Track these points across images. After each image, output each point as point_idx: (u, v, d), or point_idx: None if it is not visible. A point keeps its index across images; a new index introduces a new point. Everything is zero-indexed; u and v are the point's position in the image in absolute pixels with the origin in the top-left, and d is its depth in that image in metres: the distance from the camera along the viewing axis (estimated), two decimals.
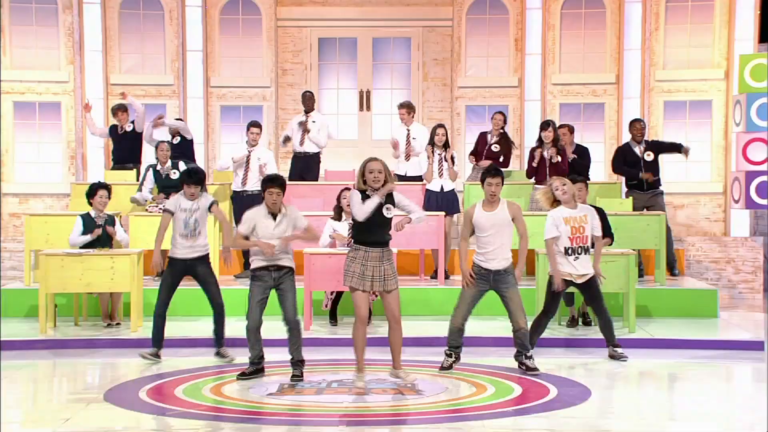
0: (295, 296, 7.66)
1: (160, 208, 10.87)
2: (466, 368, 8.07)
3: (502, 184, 7.72)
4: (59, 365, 8.61)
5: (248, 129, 11.39)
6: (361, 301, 7.17)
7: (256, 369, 7.72)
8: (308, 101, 12.16)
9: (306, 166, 12.11)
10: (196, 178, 8.34)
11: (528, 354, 7.82)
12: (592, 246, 8.25)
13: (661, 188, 11.72)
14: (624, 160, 11.66)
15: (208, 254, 8.45)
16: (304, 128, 12.04)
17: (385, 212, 7.14)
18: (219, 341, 8.43)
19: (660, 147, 11.77)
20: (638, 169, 11.56)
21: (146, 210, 11.09)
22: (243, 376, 7.67)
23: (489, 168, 7.83)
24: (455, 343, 7.96)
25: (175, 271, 8.36)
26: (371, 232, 7.16)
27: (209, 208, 8.37)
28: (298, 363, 7.64)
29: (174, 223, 8.35)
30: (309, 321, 9.67)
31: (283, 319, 7.64)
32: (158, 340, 8.41)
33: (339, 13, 14.39)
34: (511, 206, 7.73)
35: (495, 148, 12.11)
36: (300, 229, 7.66)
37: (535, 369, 7.78)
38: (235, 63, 14.19)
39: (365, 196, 7.15)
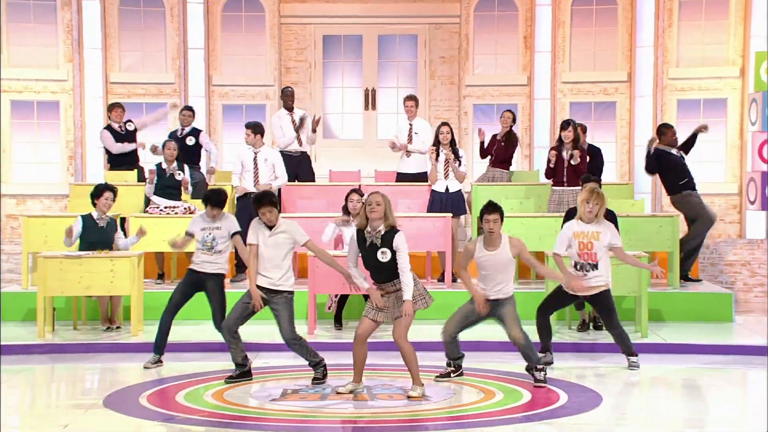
0: (290, 313, 7.65)
1: (161, 210, 10.92)
2: (474, 373, 8.07)
3: (501, 221, 7.58)
4: (58, 370, 8.63)
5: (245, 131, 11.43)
6: (363, 321, 7.26)
7: (242, 372, 7.79)
8: (290, 98, 12.05)
9: (300, 166, 12.05)
10: (216, 199, 8.30)
11: (538, 366, 7.69)
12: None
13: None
14: (660, 165, 11.43)
15: (222, 274, 8.41)
16: (312, 124, 11.95)
17: (380, 256, 7.16)
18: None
19: (688, 147, 11.49)
20: (683, 170, 11.31)
21: (146, 211, 11.13)
22: (231, 379, 7.77)
23: (487, 204, 7.64)
24: (452, 354, 7.92)
25: (188, 281, 8.42)
26: (372, 274, 7.32)
27: (231, 235, 8.37)
28: (317, 364, 7.71)
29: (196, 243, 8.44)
30: (313, 325, 9.68)
31: (283, 339, 7.72)
32: (160, 347, 8.43)
33: (344, 10, 14.41)
34: (514, 244, 7.61)
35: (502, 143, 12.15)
36: (299, 243, 7.70)
37: (542, 382, 7.62)
38: (237, 61, 14.22)
39: (360, 236, 7.23)
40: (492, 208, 7.57)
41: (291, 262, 7.77)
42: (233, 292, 10.28)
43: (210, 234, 8.30)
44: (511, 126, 12.19)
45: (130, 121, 12.43)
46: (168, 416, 6.75)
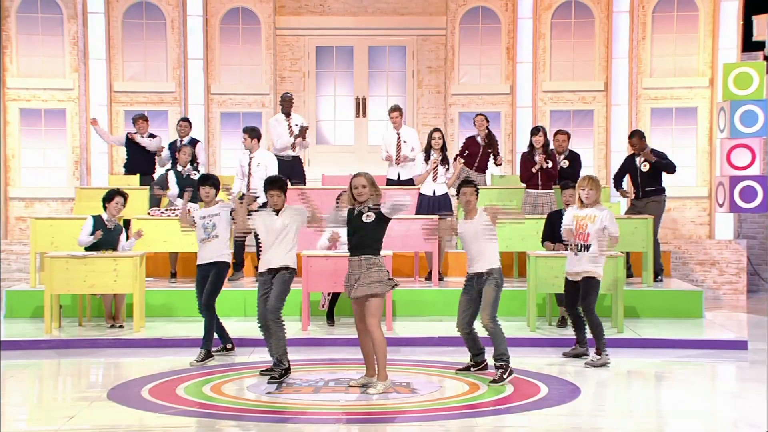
0: (281, 290, 7.55)
1: (175, 213, 10.90)
2: (459, 367, 8.05)
3: (477, 194, 7.66)
4: (64, 365, 8.59)
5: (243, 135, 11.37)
6: (353, 308, 7.20)
7: (283, 370, 7.58)
8: (289, 103, 12.03)
9: (293, 170, 12.01)
10: (211, 181, 8.42)
11: (497, 364, 7.52)
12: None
13: (659, 197, 11.37)
14: (624, 171, 11.56)
15: (225, 261, 8.36)
16: (302, 134, 11.92)
17: (364, 218, 7.11)
18: (203, 341, 8.36)
19: (660, 156, 11.39)
20: (634, 179, 11.40)
21: (163, 211, 11.08)
22: (266, 373, 7.66)
23: (463, 179, 7.79)
24: (471, 350, 7.85)
25: (200, 277, 8.37)
26: (350, 237, 7.20)
27: (231, 213, 8.31)
28: (276, 362, 7.60)
29: (196, 232, 8.38)
30: (307, 321, 9.65)
31: (267, 310, 7.62)
32: (223, 337, 8.58)
33: (336, 23, 14.39)
34: (486, 209, 7.62)
35: (488, 149, 12.11)
36: (303, 219, 7.62)
37: (496, 381, 7.48)
38: (234, 71, 14.18)
39: (352, 214, 7.14)
40: (467, 182, 7.72)
41: (296, 243, 7.70)
42: (232, 290, 10.30)
43: (210, 221, 8.30)
44: (487, 127, 12.12)
45: (153, 135, 12.39)
46: (164, 408, 6.72)
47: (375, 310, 7.09)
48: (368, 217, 7.11)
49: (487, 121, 12.14)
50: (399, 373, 7.83)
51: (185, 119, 12.40)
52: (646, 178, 11.33)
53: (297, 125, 11.92)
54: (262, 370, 7.80)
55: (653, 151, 11.44)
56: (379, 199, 7.20)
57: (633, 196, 11.61)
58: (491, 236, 7.61)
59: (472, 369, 7.87)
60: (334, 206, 9.92)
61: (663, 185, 11.42)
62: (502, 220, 7.65)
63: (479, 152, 12.04)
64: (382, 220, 7.13)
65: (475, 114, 12.46)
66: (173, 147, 12.03)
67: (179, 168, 11.36)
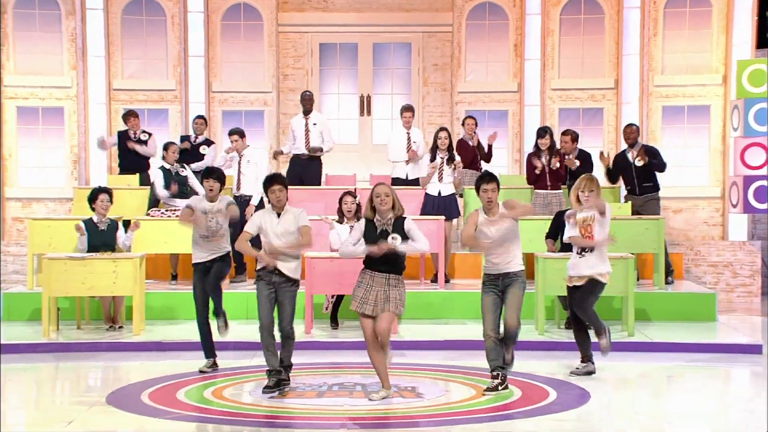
0: (293, 307, 7.47)
1: (176, 214, 10.90)
2: (466, 371, 8.07)
3: (498, 189, 7.40)
4: (62, 368, 8.61)
5: (230, 137, 11.46)
6: (365, 325, 7.09)
7: (279, 380, 7.40)
8: (308, 102, 12.10)
9: (305, 170, 12.03)
10: (216, 174, 8.22)
11: (493, 373, 7.39)
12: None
13: (656, 194, 11.51)
14: (617, 166, 11.58)
15: (228, 254, 8.24)
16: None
17: (390, 241, 7.02)
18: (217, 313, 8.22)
19: (653, 155, 11.41)
20: (629, 174, 11.47)
21: (162, 212, 11.13)
22: (267, 389, 7.36)
23: (483, 174, 7.49)
24: (494, 363, 7.36)
25: (200, 275, 8.15)
26: (374, 263, 7.10)
27: (226, 207, 8.20)
28: (286, 367, 7.54)
29: (194, 224, 8.15)
30: (310, 324, 9.66)
31: (278, 327, 7.51)
32: (210, 349, 8.19)
33: (340, 19, 14.41)
34: (506, 204, 7.36)
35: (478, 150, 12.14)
36: (299, 230, 7.47)
37: (491, 389, 7.33)
38: (236, 68, 14.20)
39: (370, 226, 7.09)
40: (489, 177, 7.38)
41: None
42: (233, 293, 10.31)
43: (213, 218, 8.09)
44: (475, 130, 12.16)
45: (144, 131, 12.46)
46: (164, 413, 6.73)
47: (391, 324, 7.13)
48: (395, 240, 7.02)
49: (476, 124, 12.18)
50: (404, 377, 7.84)
51: (201, 117, 12.52)
52: (642, 174, 11.37)
53: (314, 124, 12.00)
54: (266, 388, 7.48)
55: (645, 147, 11.47)
56: (400, 213, 7.11)
57: (626, 192, 11.63)
58: (515, 237, 7.43)
59: (500, 388, 7.36)
60: (338, 209, 10.00)
61: (658, 182, 11.49)
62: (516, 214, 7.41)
63: (471, 154, 12.04)
64: (405, 240, 7.07)
65: (493, 115, 12.48)
66: (187, 140, 12.22)
67: (167, 165, 11.40)
